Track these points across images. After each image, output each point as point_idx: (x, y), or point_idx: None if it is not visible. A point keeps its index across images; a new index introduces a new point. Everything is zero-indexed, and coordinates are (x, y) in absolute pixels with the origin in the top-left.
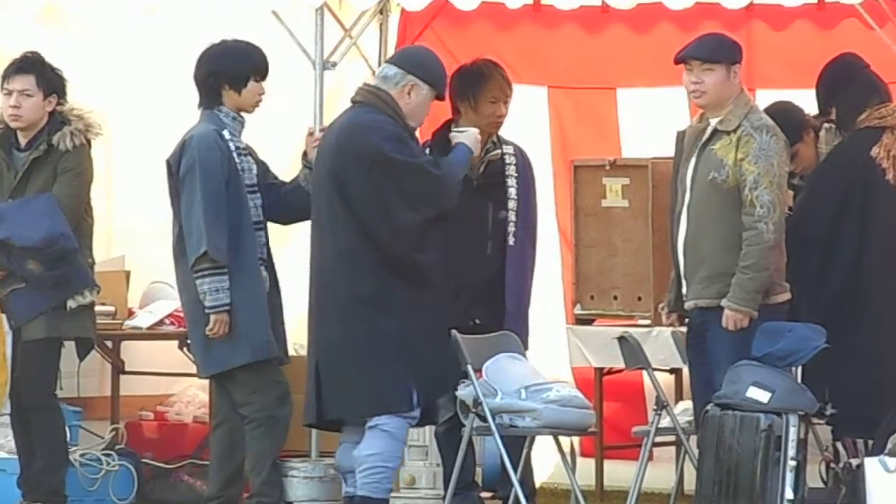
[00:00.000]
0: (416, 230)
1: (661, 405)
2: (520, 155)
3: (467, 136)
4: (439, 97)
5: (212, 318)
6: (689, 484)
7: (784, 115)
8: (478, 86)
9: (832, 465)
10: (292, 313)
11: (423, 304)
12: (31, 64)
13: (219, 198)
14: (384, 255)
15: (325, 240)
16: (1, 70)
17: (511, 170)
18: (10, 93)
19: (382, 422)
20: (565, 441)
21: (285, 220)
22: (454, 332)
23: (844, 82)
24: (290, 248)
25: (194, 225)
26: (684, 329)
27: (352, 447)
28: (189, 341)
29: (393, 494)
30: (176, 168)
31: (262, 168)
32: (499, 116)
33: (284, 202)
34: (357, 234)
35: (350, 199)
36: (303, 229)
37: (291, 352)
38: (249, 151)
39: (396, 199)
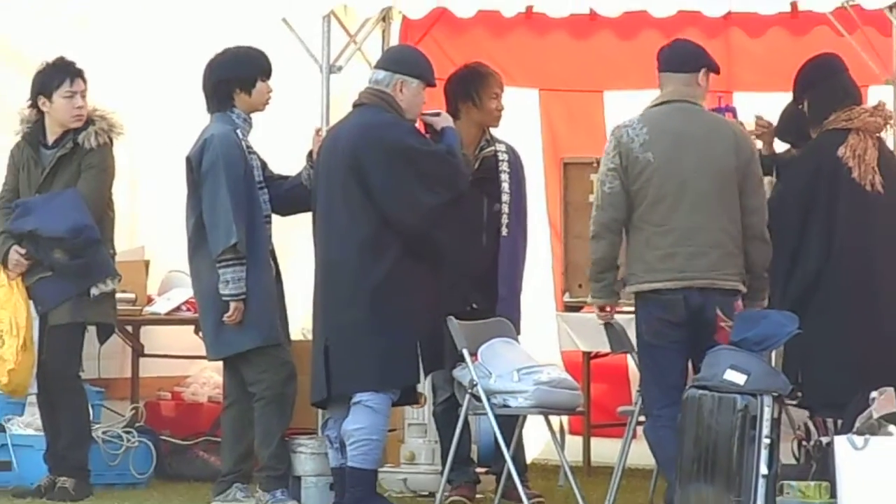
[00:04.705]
0: (438, 211)
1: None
2: (511, 152)
3: (446, 118)
4: (430, 85)
5: (231, 305)
6: None
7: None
8: (480, 85)
9: (804, 442)
10: (302, 300)
11: (426, 285)
12: (80, 69)
13: (240, 193)
14: (404, 238)
15: (340, 231)
16: (24, 70)
17: (504, 166)
18: (73, 94)
19: (366, 398)
20: (555, 420)
21: (286, 212)
22: (451, 318)
23: (822, 79)
24: (301, 239)
25: (221, 218)
26: None
27: (341, 419)
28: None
29: (394, 469)
30: (197, 164)
31: (262, 164)
32: (499, 110)
33: (288, 197)
34: (377, 224)
35: (372, 191)
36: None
37: (299, 336)
38: (254, 150)
39: (420, 185)
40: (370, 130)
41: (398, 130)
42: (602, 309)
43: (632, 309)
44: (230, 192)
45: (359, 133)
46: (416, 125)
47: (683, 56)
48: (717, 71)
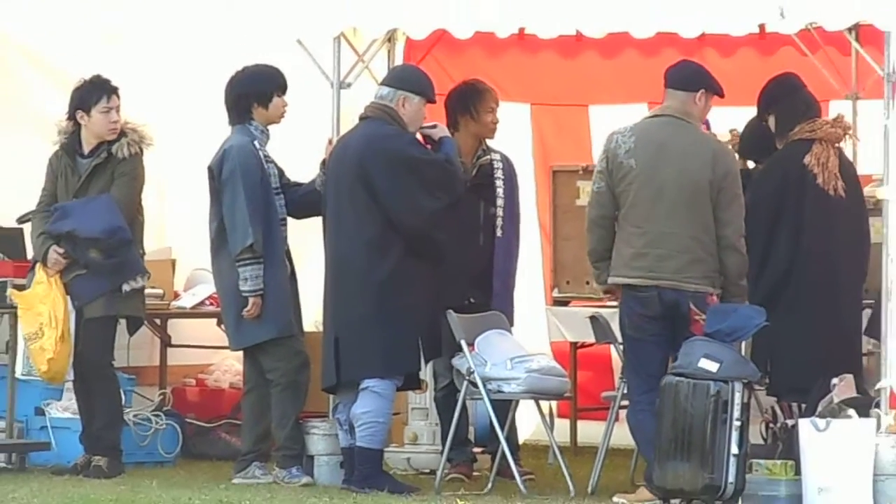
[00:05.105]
0: (438, 214)
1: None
2: (505, 161)
3: (442, 128)
4: (430, 101)
5: (250, 300)
6: None
7: (766, 133)
8: (478, 100)
9: (771, 425)
10: (315, 296)
11: (426, 281)
12: (115, 86)
13: (256, 198)
14: (407, 239)
15: (348, 232)
16: (60, 85)
17: (499, 173)
18: (109, 110)
19: (373, 384)
20: (545, 404)
21: (301, 216)
22: (451, 311)
23: (786, 95)
24: (315, 241)
25: (238, 221)
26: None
27: (350, 403)
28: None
29: (398, 449)
30: (217, 173)
31: (279, 171)
32: (495, 123)
33: (302, 202)
34: (381, 225)
35: (378, 195)
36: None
37: (312, 328)
38: (272, 159)
39: (421, 191)
40: (375, 141)
41: (401, 141)
42: (607, 293)
43: (615, 303)
44: (247, 198)
45: (365, 144)
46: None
47: (685, 76)
48: (719, 94)
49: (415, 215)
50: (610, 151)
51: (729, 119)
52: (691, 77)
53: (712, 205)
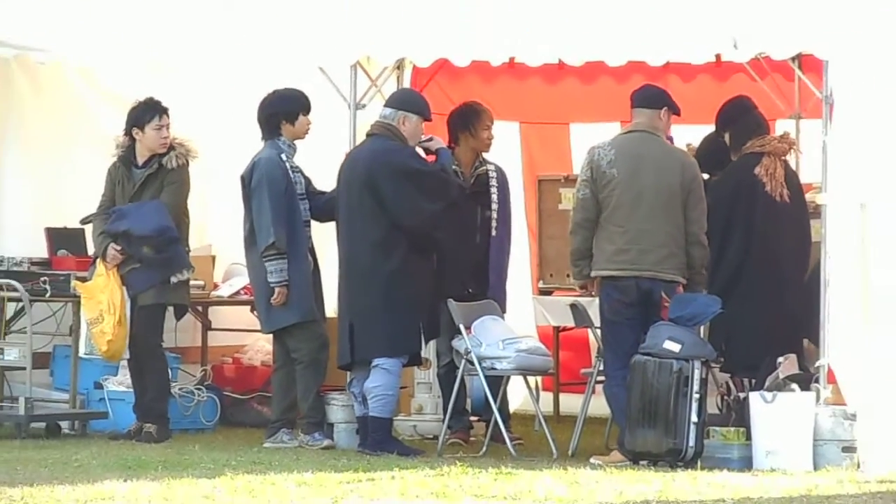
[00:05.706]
0: (437, 216)
1: (601, 353)
2: (499, 171)
3: (438, 140)
4: (427, 119)
5: (276, 290)
6: None
7: (719, 148)
8: (475, 119)
9: (726, 397)
10: (335, 287)
11: (425, 276)
12: (165, 107)
13: (281, 203)
14: (410, 238)
15: (357, 234)
16: (117, 105)
17: (493, 181)
18: (160, 127)
19: (382, 362)
20: (532, 379)
21: (323, 220)
22: (451, 300)
23: (740, 115)
24: (334, 241)
25: (264, 223)
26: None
27: (363, 379)
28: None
29: (406, 418)
30: (248, 182)
31: (307, 181)
32: (490, 139)
33: (324, 208)
34: (386, 228)
35: (384, 201)
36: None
37: (332, 314)
38: (299, 169)
39: (420, 196)
40: (381, 155)
41: (402, 155)
42: (581, 287)
43: (593, 294)
44: (271, 203)
45: (372, 157)
46: (418, 150)
47: (650, 97)
48: (677, 112)
49: (415, 216)
50: (593, 163)
51: (689, 135)
52: (655, 97)
53: (682, 206)
